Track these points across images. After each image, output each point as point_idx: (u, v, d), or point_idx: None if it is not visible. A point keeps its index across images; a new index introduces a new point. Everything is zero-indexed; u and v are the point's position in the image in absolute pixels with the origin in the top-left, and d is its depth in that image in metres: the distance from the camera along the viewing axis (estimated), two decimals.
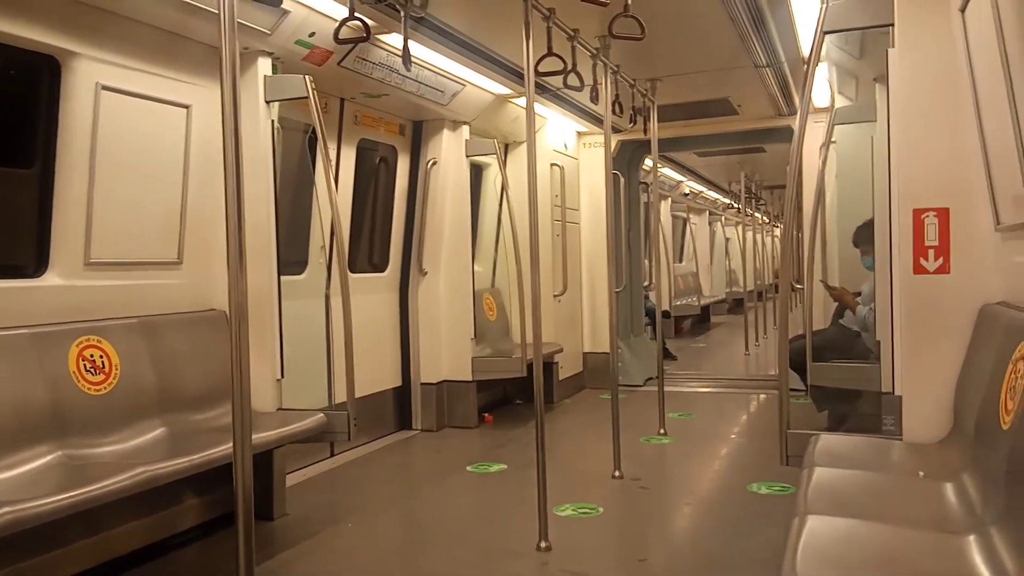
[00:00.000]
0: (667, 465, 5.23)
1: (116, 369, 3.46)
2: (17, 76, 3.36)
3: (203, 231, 3.97)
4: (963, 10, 2.82)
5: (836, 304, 5.61)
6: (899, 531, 2.15)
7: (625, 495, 4.44)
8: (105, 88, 3.43)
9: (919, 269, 3.04)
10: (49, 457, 3.07)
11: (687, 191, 12.86)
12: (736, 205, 12.80)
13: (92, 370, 3.36)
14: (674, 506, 4.36)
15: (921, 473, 2.69)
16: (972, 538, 2.04)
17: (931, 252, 3.01)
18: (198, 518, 3.72)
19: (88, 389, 3.32)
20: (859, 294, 5.30)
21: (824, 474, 2.63)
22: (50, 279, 3.38)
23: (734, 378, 8.52)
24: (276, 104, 4.06)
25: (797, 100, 6.73)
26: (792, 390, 3.51)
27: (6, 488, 2.79)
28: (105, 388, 3.39)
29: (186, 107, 3.82)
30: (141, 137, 3.67)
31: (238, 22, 2.31)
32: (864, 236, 5.06)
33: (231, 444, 2.33)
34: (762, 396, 7.42)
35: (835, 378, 4.81)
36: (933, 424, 3.02)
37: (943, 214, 2.99)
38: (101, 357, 3.41)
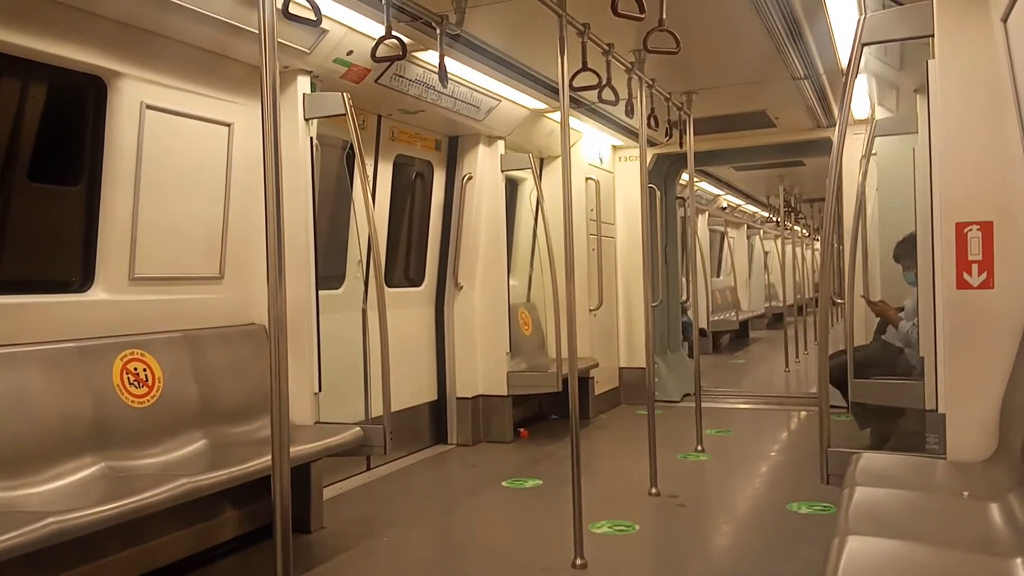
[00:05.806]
0: (705, 482, 5.16)
1: (159, 382, 3.52)
2: (65, 96, 3.45)
3: (243, 246, 4.04)
4: (1005, 19, 2.77)
5: (878, 319, 5.52)
6: (943, 553, 2.10)
7: (662, 512, 4.40)
8: (149, 107, 3.51)
9: (962, 284, 2.98)
10: (93, 468, 3.14)
11: (724, 205, 12.75)
12: (775, 218, 12.64)
13: (136, 383, 3.42)
14: (712, 524, 4.30)
15: (966, 493, 2.62)
16: (1019, 561, 1.98)
17: (974, 267, 2.94)
18: (237, 530, 3.76)
19: (131, 402, 3.39)
20: (902, 309, 5.21)
21: (866, 493, 2.57)
22: (96, 294, 3.47)
23: (774, 395, 8.40)
24: (315, 121, 4.12)
25: (836, 112, 6.65)
26: (833, 407, 3.45)
27: (51, 499, 2.86)
28: (148, 401, 3.46)
29: (227, 125, 3.90)
30: (184, 155, 3.75)
31: (278, 41, 2.35)
32: (905, 250, 4.98)
33: (270, 457, 2.36)
34: (802, 413, 7.30)
35: (877, 395, 4.71)
36: (978, 442, 2.94)
37: (986, 227, 2.93)
38: (144, 370, 3.48)
